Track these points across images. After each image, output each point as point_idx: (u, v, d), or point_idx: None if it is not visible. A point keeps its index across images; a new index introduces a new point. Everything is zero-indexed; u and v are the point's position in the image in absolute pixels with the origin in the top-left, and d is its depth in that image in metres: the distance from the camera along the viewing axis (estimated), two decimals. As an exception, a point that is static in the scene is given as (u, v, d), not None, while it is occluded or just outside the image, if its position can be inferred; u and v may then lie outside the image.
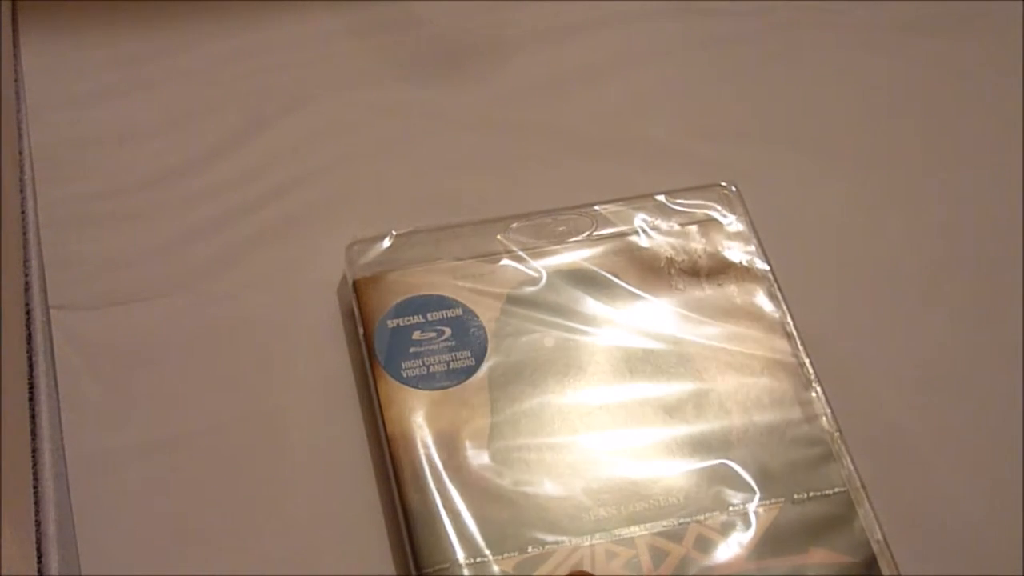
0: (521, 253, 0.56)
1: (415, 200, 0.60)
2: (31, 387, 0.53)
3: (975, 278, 0.59)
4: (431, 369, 0.52)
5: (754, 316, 0.55)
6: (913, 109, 0.62)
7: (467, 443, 0.51)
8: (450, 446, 0.50)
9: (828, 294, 0.58)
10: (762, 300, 0.55)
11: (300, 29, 0.66)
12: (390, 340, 0.53)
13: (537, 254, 0.56)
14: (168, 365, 0.54)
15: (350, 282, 0.55)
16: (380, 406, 0.52)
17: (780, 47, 0.65)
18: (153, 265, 0.57)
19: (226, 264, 0.58)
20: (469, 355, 0.53)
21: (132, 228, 0.58)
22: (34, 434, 0.52)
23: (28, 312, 0.55)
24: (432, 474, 0.50)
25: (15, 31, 0.64)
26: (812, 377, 0.53)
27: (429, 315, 0.54)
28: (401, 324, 0.53)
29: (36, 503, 0.50)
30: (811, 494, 0.50)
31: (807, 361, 0.53)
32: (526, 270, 0.55)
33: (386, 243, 0.56)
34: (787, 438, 0.51)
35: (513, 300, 0.55)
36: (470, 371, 0.53)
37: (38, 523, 0.49)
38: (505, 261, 0.56)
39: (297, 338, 0.56)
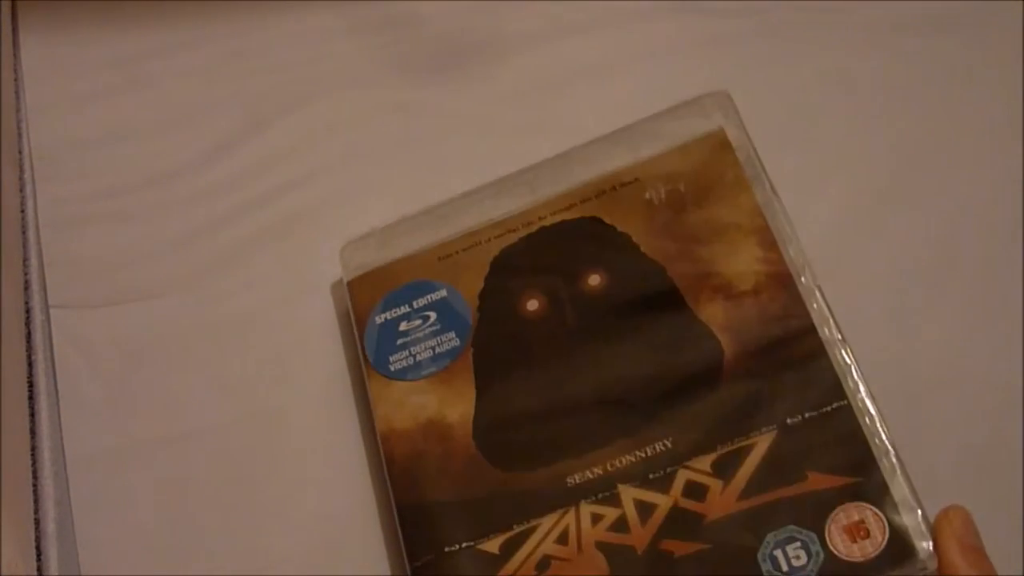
0: (504, 218, 0.54)
1: (415, 200, 0.60)
2: (30, 386, 0.53)
3: (979, 272, 0.59)
4: (417, 358, 0.52)
5: (745, 230, 0.51)
6: (912, 108, 0.62)
7: (452, 429, 0.50)
8: (436, 435, 0.50)
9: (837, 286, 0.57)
10: (754, 210, 0.52)
11: (300, 29, 0.66)
12: (378, 336, 0.53)
13: (519, 214, 0.54)
14: (167, 364, 0.55)
15: (344, 283, 0.55)
16: (372, 405, 0.51)
17: (779, 47, 0.65)
18: (152, 265, 0.57)
19: (225, 264, 0.58)
20: (454, 335, 0.52)
21: (131, 228, 0.59)
22: (33, 432, 0.52)
23: (27, 311, 0.55)
24: (419, 467, 0.49)
25: (15, 31, 0.64)
26: (812, 285, 0.49)
27: (415, 302, 0.53)
28: (388, 318, 0.53)
29: (35, 501, 0.50)
30: (807, 414, 0.47)
31: (807, 268, 0.50)
32: (510, 233, 0.54)
33: (375, 239, 0.55)
34: (780, 357, 0.48)
35: (496, 267, 0.53)
36: (455, 352, 0.52)
37: (37, 521, 0.49)
38: (490, 229, 0.54)
39: (295, 338, 0.56)
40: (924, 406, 0.54)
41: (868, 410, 0.47)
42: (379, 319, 0.53)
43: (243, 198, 0.60)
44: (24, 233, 0.58)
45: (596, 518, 0.47)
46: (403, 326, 0.52)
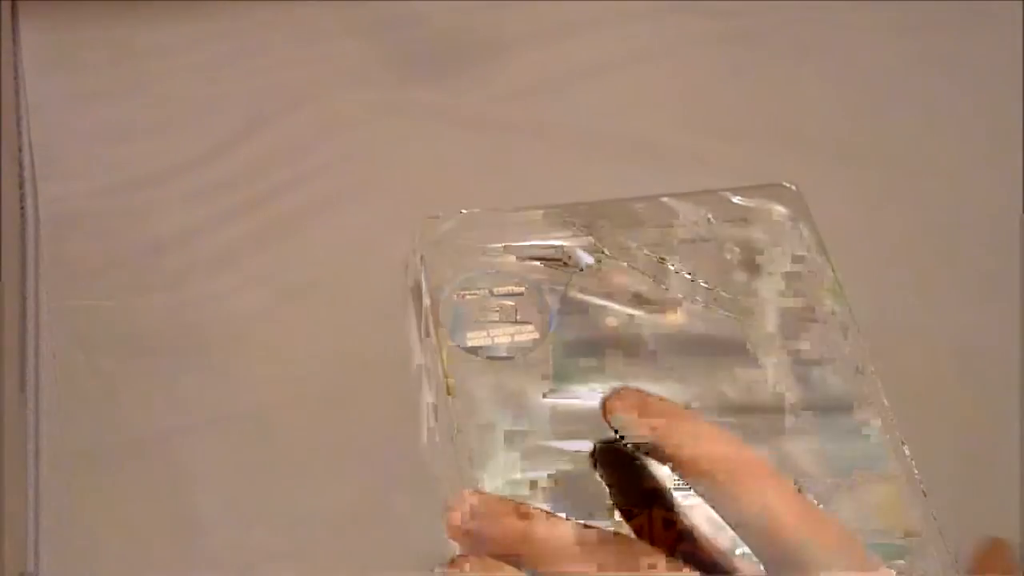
0: (587, 238, 0.57)
1: (414, 199, 0.60)
2: (29, 382, 0.53)
3: (980, 270, 0.59)
4: (496, 340, 0.53)
5: (814, 308, 0.55)
6: (915, 105, 0.63)
7: (529, 413, 0.51)
8: (510, 416, 0.51)
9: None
10: (822, 295, 0.56)
11: (300, 29, 0.66)
12: (455, 311, 0.54)
13: (603, 240, 0.57)
14: (167, 360, 0.54)
15: (418, 256, 0.56)
16: (444, 373, 0.52)
17: (781, 45, 0.65)
18: (152, 261, 0.57)
19: (225, 262, 0.58)
20: (533, 329, 0.54)
21: (131, 225, 0.59)
22: (33, 429, 0.52)
23: (27, 307, 0.55)
24: (493, 441, 0.50)
25: (15, 28, 0.64)
26: (870, 371, 0.53)
27: (495, 289, 0.55)
28: (467, 296, 0.54)
29: (35, 498, 0.50)
30: (866, 474, 0.51)
31: (866, 355, 0.54)
32: (591, 254, 0.56)
33: (454, 221, 0.57)
34: (841, 423, 0.52)
35: (578, 281, 0.55)
36: (534, 344, 0.53)
37: (36, 518, 0.49)
38: (571, 244, 0.56)
39: (296, 337, 0.56)
40: (927, 402, 0.55)
41: (915, 482, 0.51)
42: (456, 296, 0.54)
43: (243, 196, 0.60)
44: (24, 230, 0.58)
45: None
46: (481, 307, 0.54)
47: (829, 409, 0.53)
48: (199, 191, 0.60)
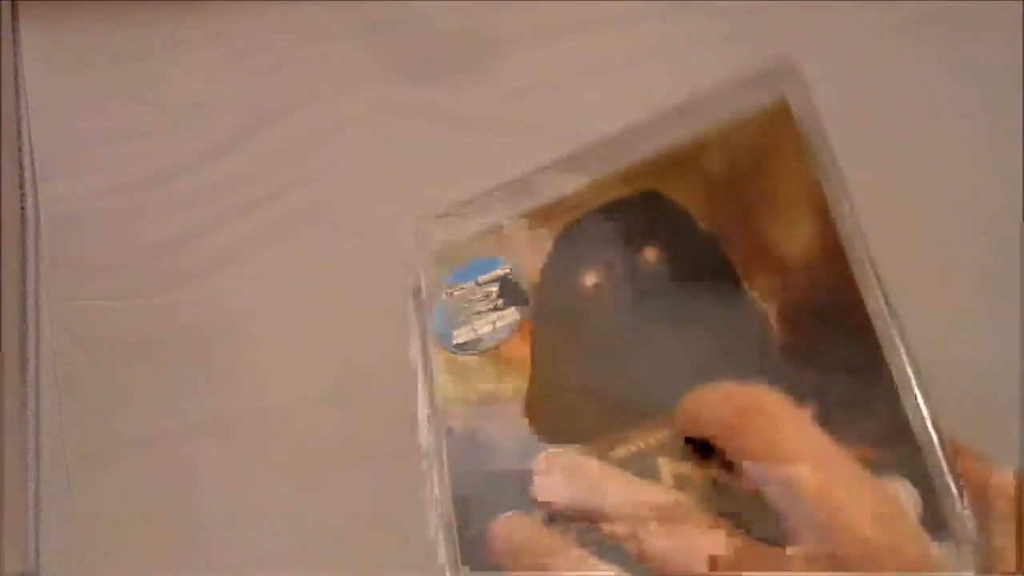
0: (571, 194, 0.53)
1: (414, 199, 0.60)
2: (28, 382, 0.53)
3: (979, 271, 0.59)
4: (479, 332, 0.52)
5: (801, 204, 0.50)
6: (915, 105, 0.63)
7: (506, 402, 0.50)
8: (489, 408, 0.50)
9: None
10: (812, 183, 0.50)
11: (300, 29, 0.66)
12: (444, 311, 0.53)
13: (583, 191, 0.53)
14: (168, 360, 0.55)
15: (417, 255, 0.55)
16: (432, 377, 0.52)
17: (781, 45, 0.65)
18: (153, 261, 0.58)
19: (226, 261, 0.58)
20: (515, 310, 0.52)
21: (132, 225, 0.59)
22: (34, 429, 0.52)
23: (27, 307, 0.55)
24: (474, 439, 0.49)
25: (15, 28, 0.65)
26: (864, 256, 0.48)
27: (480, 278, 0.54)
28: (455, 293, 0.54)
29: (35, 498, 0.50)
30: (850, 388, 0.46)
31: (859, 238, 0.48)
32: (574, 210, 0.53)
33: (449, 215, 0.55)
34: (829, 331, 0.48)
35: (559, 243, 0.53)
36: (513, 326, 0.52)
37: (37, 518, 0.49)
38: (556, 206, 0.53)
39: (297, 336, 0.56)
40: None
41: (909, 383, 0.45)
42: (446, 294, 0.54)
43: (244, 196, 0.60)
44: (24, 229, 0.58)
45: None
46: (467, 301, 0.53)
47: (817, 322, 0.48)
48: (199, 191, 0.60)
